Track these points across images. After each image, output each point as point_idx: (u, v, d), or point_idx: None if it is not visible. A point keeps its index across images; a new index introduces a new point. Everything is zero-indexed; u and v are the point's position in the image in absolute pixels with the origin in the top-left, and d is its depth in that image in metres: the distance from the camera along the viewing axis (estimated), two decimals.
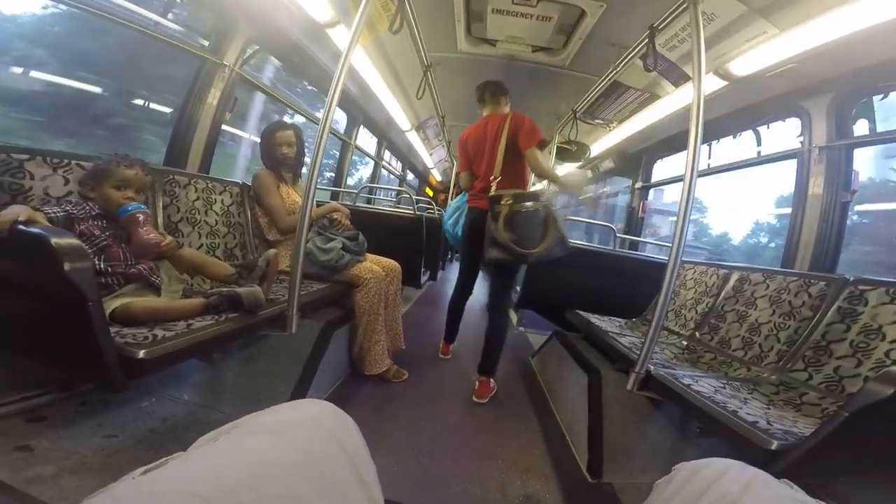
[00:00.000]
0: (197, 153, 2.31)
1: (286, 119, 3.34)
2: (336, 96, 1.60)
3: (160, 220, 1.74)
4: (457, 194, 3.46)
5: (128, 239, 1.34)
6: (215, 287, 1.55)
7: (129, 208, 1.34)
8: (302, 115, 3.59)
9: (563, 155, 4.04)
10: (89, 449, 1.22)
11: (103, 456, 1.21)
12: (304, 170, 2.28)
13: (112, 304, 1.19)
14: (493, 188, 2.05)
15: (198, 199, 1.93)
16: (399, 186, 6.62)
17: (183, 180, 1.89)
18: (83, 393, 1.46)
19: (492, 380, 2.13)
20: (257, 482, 0.36)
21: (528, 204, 1.90)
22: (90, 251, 1.24)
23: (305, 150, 2.20)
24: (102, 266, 1.26)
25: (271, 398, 1.58)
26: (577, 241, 3.87)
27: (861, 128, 2.13)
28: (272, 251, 1.62)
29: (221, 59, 2.31)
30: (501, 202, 1.91)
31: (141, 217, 1.34)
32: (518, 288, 3.28)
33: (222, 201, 2.04)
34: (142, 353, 1.00)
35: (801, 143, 2.33)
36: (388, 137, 5.48)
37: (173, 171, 1.91)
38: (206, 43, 2.35)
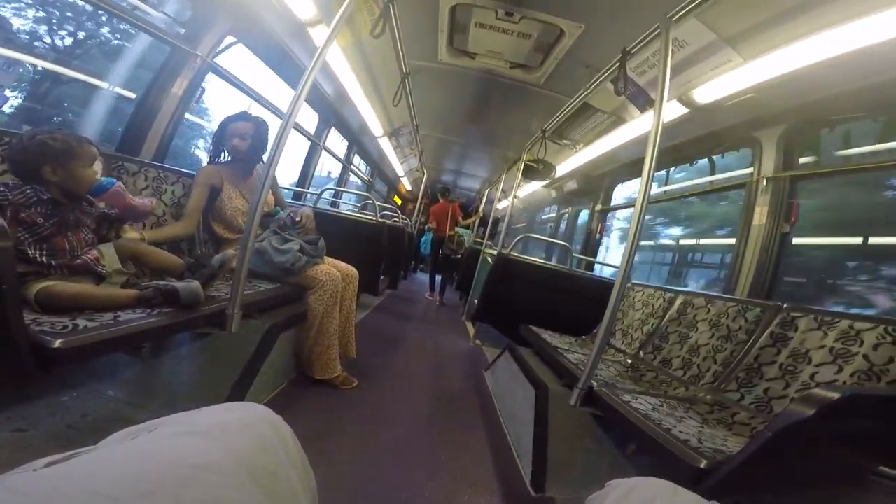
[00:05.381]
0: (154, 141, 2.21)
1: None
2: (305, 92, 1.56)
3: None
4: (425, 209, 7.12)
5: (109, 216, 1.38)
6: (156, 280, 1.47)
7: (107, 183, 1.34)
8: (271, 112, 3.49)
9: (530, 173, 4.06)
10: None
11: (9, 451, 1.11)
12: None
13: (35, 287, 1.10)
14: (447, 231, 5.99)
15: (147, 187, 1.84)
16: (366, 192, 6.56)
17: (133, 167, 1.80)
18: None
19: (442, 298, 5.89)
20: (180, 486, 0.33)
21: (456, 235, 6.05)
22: (31, 240, 1.15)
23: (267, 146, 2.09)
24: (45, 259, 1.17)
25: (206, 399, 1.48)
26: (535, 258, 3.93)
27: (806, 160, 2.25)
28: (231, 252, 1.55)
29: (194, 49, 2.23)
30: (447, 236, 6.01)
31: (122, 187, 1.40)
32: (475, 301, 3.44)
33: (173, 192, 1.96)
34: (58, 343, 0.92)
35: (751, 173, 2.45)
36: (359, 142, 5.43)
37: (123, 157, 1.82)
38: (182, 31, 2.27)
